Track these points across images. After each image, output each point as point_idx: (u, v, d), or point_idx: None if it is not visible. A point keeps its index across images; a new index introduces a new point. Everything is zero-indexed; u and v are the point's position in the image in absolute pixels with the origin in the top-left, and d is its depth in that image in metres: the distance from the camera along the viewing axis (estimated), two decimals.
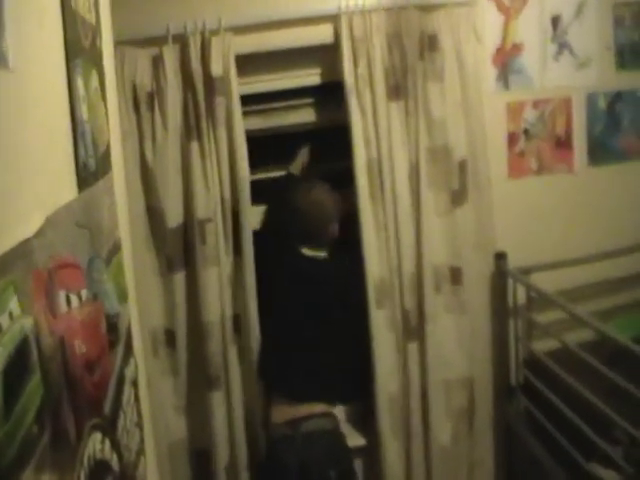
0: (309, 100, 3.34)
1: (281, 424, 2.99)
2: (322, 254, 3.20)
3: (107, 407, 1.69)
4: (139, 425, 2.12)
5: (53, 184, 1.40)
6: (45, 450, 1.17)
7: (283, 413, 3.01)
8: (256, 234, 3.20)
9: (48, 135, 1.38)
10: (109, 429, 1.70)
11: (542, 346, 3.25)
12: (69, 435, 1.33)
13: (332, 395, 3.10)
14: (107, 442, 1.65)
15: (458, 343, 3.24)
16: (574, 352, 2.83)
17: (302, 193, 3.20)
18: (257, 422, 3.17)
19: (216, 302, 3.06)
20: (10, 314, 1.05)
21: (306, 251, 3.19)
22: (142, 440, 2.12)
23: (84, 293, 1.52)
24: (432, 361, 3.19)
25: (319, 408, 3.02)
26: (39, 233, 1.22)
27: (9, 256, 1.06)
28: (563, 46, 3.34)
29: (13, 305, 1.07)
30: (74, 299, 1.44)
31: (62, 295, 1.35)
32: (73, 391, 1.38)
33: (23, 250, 1.13)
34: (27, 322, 1.13)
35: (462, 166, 3.17)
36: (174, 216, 3.05)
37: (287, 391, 3.06)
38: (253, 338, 3.11)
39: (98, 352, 1.63)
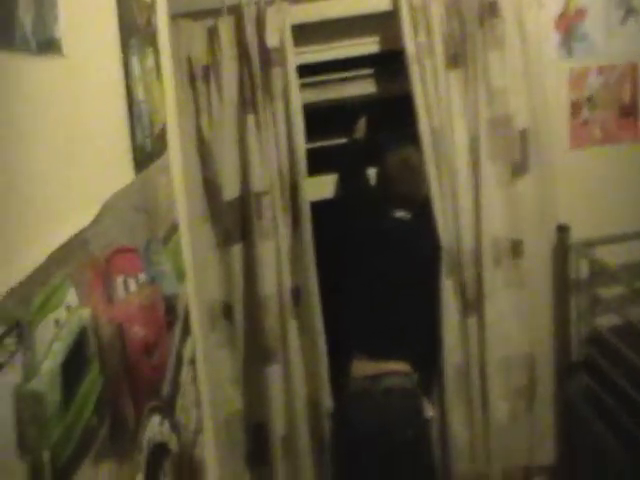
0: (366, 71, 3.26)
1: (361, 378, 2.96)
2: (409, 215, 3.11)
3: (166, 389, 1.70)
4: (197, 403, 2.13)
5: (110, 169, 1.38)
6: (104, 440, 1.17)
7: (364, 368, 2.97)
8: (330, 201, 3.20)
9: (105, 119, 1.37)
10: (168, 410, 1.70)
11: (605, 322, 3.15)
12: (128, 422, 1.33)
13: (412, 355, 3.03)
14: (166, 424, 1.66)
15: (518, 319, 3.16)
16: (639, 329, 2.75)
17: (396, 157, 3.15)
18: (319, 396, 3.16)
19: (273, 275, 3.04)
20: (68, 307, 1.05)
21: (399, 213, 3.09)
22: (200, 418, 2.13)
23: (141, 277, 1.51)
24: (491, 337, 3.12)
25: (400, 366, 2.97)
26: (96, 221, 1.21)
27: (66, 248, 1.06)
28: (629, 12, 3.19)
29: (71, 297, 1.06)
30: (132, 283, 1.43)
31: (120, 281, 1.34)
32: (132, 377, 1.38)
33: (80, 240, 1.13)
34: (85, 313, 1.13)
35: (523, 136, 3.07)
36: (231, 189, 3.02)
37: (368, 348, 3.02)
38: (314, 312, 3.08)
39: (156, 335, 1.63)
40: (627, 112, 3.28)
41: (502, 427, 3.20)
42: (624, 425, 2.73)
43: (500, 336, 3.13)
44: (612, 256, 3.10)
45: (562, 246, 3.20)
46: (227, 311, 3.13)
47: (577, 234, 3.19)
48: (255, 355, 3.14)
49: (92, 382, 1.13)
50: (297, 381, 3.12)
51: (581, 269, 3.19)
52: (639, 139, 3.31)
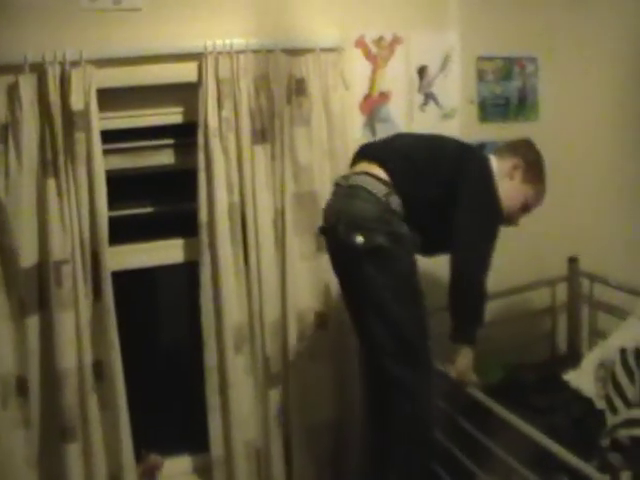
0: (169, 141, 3.22)
1: None
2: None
3: None
4: None
5: None
6: None
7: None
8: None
9: None
10: None
11: None
12: None
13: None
14: None
15: (324, 388, 3.20)
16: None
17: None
18: (121, 475, 3.01)
19: (72, 348, 2.89)
20: None
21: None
22: None
23: None
24: (294, 407, 3.15)
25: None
26: None
27: None
28: (429, 97, 3.38)
29: None
30: None
31: None
32: None
33: None
34: None
35: None
36: (28, 256, 2.86)
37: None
38: (117, 387, 2.96)
39: None
40: None
41: None
42: None
43: (305, 404, 3.17)
44: None
45: None
46: (22, 386, 2.94)
47: None
48: (52, 433, 2.97)
49: None
50: (98, 460, 3.00)
51: None
52: None
